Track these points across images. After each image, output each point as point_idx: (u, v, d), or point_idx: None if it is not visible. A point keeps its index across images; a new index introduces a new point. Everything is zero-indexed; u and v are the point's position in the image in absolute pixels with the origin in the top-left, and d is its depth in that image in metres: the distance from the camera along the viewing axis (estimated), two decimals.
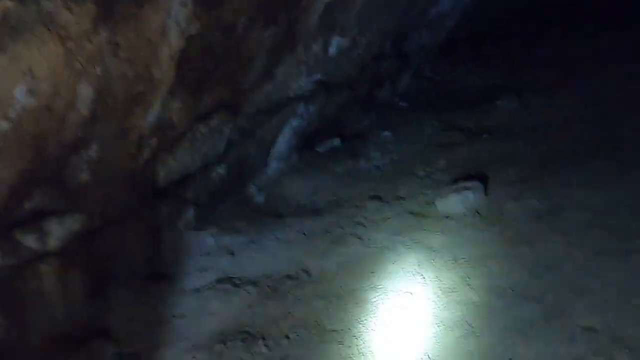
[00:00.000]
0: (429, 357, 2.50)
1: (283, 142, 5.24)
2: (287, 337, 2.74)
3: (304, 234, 3.94)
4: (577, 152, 4.53)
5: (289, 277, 3.37)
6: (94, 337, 3.05)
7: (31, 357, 2.99)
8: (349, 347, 2.57)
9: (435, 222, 3.64)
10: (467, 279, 3.01)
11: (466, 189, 3.75)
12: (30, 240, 2.77)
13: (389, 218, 3.88)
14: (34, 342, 3.04)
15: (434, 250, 3.35)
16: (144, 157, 3.24)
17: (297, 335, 2.72)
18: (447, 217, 3.70)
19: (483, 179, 3.98)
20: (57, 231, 2.92)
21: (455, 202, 3.67)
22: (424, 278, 3.07)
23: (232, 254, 3.82)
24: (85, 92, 2.38)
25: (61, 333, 3.18)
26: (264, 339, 2.78)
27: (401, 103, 7.08)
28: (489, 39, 8.55)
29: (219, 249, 3.93)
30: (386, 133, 5.95)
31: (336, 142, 5.88)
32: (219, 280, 3.45)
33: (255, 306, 3.10)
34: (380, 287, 3.04)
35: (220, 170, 4.41)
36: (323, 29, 4.78)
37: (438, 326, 2.69)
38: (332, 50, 5.19)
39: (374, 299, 2.92)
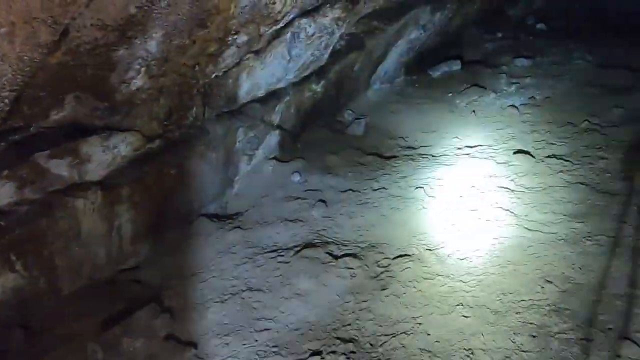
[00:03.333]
0: None
1: (394, 58, 4.04)
2: None
3: (423, 189, 2.88)
4: None
5: (408, 256, 2.38)
6: (143, 301, 2.26)
7: (63, 311, 2.26)
8: None
9: (638, 213, 2.43)
10: None
11: None
12: (61, 167, 1.90)
13: (551, 187, 2.72)
14: (66, 292, 2.30)
15: None
16: (227, 60, 2.21)
17: None
18: None
19: None
20: (100, 155, 2.03)
21: None
22: None
23: (325, 203, 2.86)
24: None
25: (103, 282, 2.44)
26: None
27: (538, 24, 5.55)
28: None
29: (308, 193, 2.98)
30: (522, 62, 4.58)
31: (455, 65, 4.59)
32: (309, 245, 2.51)
33: (363, 297, 2.17)
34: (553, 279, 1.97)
35: (317, 87, 3.35)
36: None
37: None
38: None
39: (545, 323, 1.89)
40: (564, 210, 2.51)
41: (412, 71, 4.47)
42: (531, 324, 1.88)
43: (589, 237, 2.30)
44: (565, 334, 1.83)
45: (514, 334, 1.84)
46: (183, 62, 1.94)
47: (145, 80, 1.82)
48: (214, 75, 2.19)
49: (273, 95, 3.05)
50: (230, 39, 2.04)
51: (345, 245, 2.53)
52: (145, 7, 1.51)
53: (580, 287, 2.03)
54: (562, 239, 2.30)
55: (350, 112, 3.84)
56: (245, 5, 1.91)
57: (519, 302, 1.98)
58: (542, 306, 1.96)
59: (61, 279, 2.25)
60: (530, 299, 1.99)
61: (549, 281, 2.08)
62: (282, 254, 2.52)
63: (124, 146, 2.06)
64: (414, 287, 2.16)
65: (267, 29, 2.24)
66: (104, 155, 2.02)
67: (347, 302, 2.17)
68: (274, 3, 2.04)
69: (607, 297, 1.97)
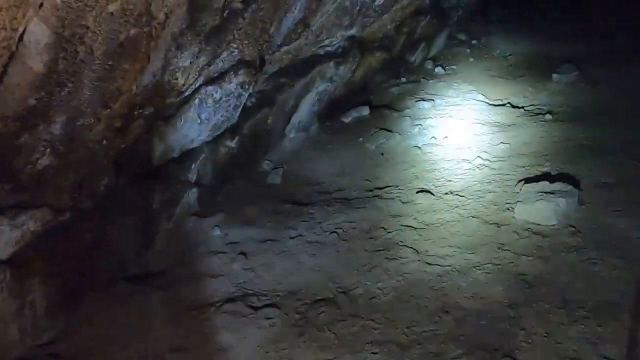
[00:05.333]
0: None
1: (306, 109, 4.31)
2: None
3: (337, 234, 3.08)
4: None
5: (324, 300, 2.54)
6: None
7: None
8: None
9: (517, 240, 2.77)
10: None
11: (554, 193, 2.88)
12: None
13: (448, 222, 3.03)
14: None
15: (529, 286, 2.45)
16: (135, 131, 2.32)
17: None
18: (529, 229, 2.84)
19: (571, 179, 3.11)
20: (8, 234, 2.04)
21: (544, 212, 2.80)
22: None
23: (245, 255, 2.97)
24: (37, 32, 1.43)
25: None
26: None
27: (436, 68, 6.12)
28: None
29: (228, 246, 3.08)
30: (423, 104, 5.03)
31: (364, 111, 4.95)
32: (230, 299, 2.61)
33: (282, 345, 2.29)
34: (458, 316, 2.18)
35: (232, 143, 3.51)
36: None
37: None
38: None
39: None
40: (459, 243, 2.80)
41: (325, 118, 4.76)
42: (431, 353, 2.09)
43: (479, 266, 2.59)
44: (459, 358, 2.06)
45: None
46: (90, 139, 2.02)
47: (52, 159, 1.88)
48: (123, 146, 2.28)
49: (188, 155, 3.16)
50: (136, 112, 2.16)
51: (265, 296, 2.64)
52: (45, 98, 1.60)
53: (471, 313, 2.29)
54: (456, 270, 2.57)
55: (268, 162, 4.02)
56: (147, 84, 2.05)
57: (420, 333, 2.19)
58: (440, 335, 2.18)
59: None
60: (430, 330, 2.21)
61: (446, 311, 2.32)
62: (203, 311, 2.58)
63: (32, 222, 2.08)
64: (329, 329, 2.32)
65: (173, 100, 2.38)
66: (11, 233, 2.03)
67: (268, 353, 2.27)
68: (177, 78, 2.20)
69: (493, 321, 2.24)
